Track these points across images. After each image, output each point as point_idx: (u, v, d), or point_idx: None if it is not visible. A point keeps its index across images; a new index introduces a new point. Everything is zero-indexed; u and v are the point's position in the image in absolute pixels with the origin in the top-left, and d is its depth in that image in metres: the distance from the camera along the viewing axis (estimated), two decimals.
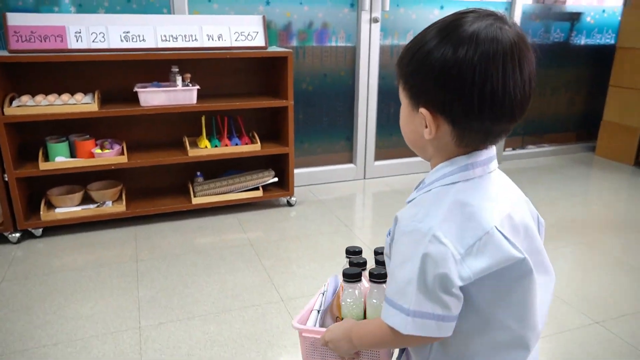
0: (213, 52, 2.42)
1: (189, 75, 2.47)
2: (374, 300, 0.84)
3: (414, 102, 0.68)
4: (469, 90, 0.61)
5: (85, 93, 2.38)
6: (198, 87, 2.46)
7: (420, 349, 0.74)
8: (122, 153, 2.44)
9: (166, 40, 2.38)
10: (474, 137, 0.67)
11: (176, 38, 2.40)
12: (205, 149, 2.57)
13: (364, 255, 0.94)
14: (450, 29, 0.63)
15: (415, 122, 0.69)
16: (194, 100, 2.46)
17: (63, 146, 2.34)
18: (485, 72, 0.60)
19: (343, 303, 0.85)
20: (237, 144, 2.63)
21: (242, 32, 2.51)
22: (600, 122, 3.84)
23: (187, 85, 2.46)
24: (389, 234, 0.74)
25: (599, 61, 3.88)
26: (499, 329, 0.69)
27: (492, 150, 0.71)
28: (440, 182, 0.69)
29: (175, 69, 2.44)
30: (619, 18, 3.77)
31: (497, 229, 0.64)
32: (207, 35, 2.45)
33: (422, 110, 0.66)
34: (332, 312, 0.92)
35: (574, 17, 3.71)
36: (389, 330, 0.68)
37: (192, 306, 1.85)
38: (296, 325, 0.87)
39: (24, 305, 1.84)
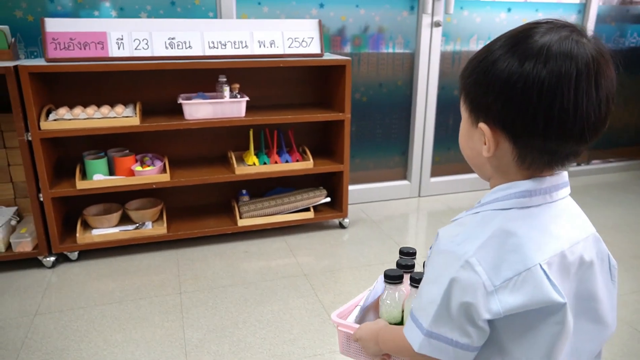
0: (265, 60, 2.19)
1: (237, 86, 2.25)
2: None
3: (474, 116, 0.65)
4: (534, 108, 0.57)
5: (125, 105, 2.18)
6: (247, 98, 2.23)
7: None
8: (163, 170, 2.24)
9: (214, 47, 2.16)
10: (537, 157, 0.62)
11: (225, 45, 2.18)
12: (252, 166, 2.34)
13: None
14: (519, 39, 0.59)
15: (474, 137, 0.66)
16: (243, 113, 2.23)
17: (101, 163, 2.15)
18: (555, 88, 0.56)
19: (382, 303, 0.84)
20: (287, 161, 2.39)
21: (295, 37, 2.27)
22: None
23: (236, 97, 2.24)
24: (431, 248, 0.70)
25: None
26: None
27: (561, 177, 0.66)
28: (492, 205, 0.65)
29: (223, 79, 2.23)
30: None
31: (542, 267, 0.60)
32: (259, 41, 2.22)
33: (482, 125, 0.62)
34: (375, 311, 0.93)
35: None
36: (408, 343, 0.67)
37: (245, 353, 1.62)
38: (334, 319, 0.89)
39: (59, 346, 1.64)
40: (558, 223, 0.64)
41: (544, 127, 0.57)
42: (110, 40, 2.05)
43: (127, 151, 2.27)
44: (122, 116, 2.07)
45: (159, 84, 2.33)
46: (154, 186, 2.18)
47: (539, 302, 0.60)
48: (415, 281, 0.82)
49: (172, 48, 2.12)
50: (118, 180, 2.14)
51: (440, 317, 0.62)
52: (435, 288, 0.63)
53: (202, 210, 2.52)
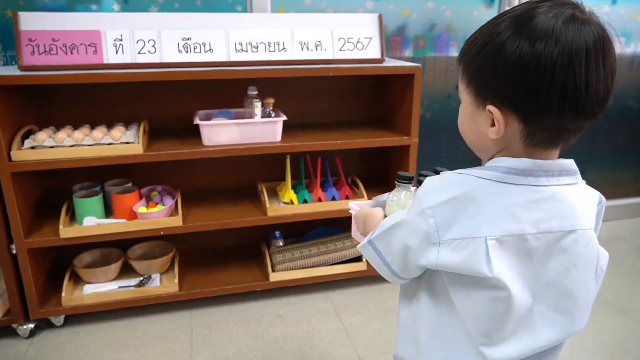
0: (309, 67, 1.65)
1: (272, 101, 1.71)
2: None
3: (480, 99, 0.65)
4: (547, 88, 0.58)
5: (127, 124, 1.67)
6: (284, 117, 1.69)
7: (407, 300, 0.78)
8: (174, 210, 1.72)
9: (242, 50, 1.63)
10: (546, 135, 0.63)
11: (256, 47, 1.65)
12: (290, 205, 1.80)
13: None
14: (523, 20, 0.59)
15: (479, 120, 0.67)
16: (278, 137, 1.70)
17: (94, 202, 1.64)
18: (567, 67, 0.57)
19: (388, 200, 0.87)
20: (334, 198, 1.84)
21: (349, 38, 1.72)
22: None
23: (269, 115, 1.70)
24: None
25: None
26: (458, 325, 0.69)
27: (558, 164, 0.65)
28: (475, 171, 0.65)
29: (253, 92, 1.70)
30: None
31: (486, 241, 0.62)
32: (301, 42, 1.68)
33: (491, 107, 0.63)
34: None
35: None
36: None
37: None
38: (350, 204, 0.95)
39: None
40: (530, 207, 0.64)
41: (559, 106, 0.58)
42: (105, 42, 1.54)
43: (130, 184, 1.76)
44: (121, 142, 1.56)
45: (169, 98, 1.81)
46: (162, 232, 1.66)
47: (469, 270, 0.63)
48: (403, 178, 0.84)
49: (187, 52, 1.59)
50: (115, 226, 1.62)
51: (384, 238, 0.72)
52: (394, 217, 0.71)
53: (223, 257, 1.99)
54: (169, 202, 1.73)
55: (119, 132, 1.58)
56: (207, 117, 1.73)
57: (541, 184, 0.64)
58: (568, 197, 0.66)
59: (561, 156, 0.67)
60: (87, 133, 1.57)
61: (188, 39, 1.59)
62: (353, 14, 1.79)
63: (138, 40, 1.56)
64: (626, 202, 2.71)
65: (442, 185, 0.66)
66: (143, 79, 1.53)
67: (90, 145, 1.53)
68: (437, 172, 0.77)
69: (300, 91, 1.93)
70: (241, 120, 1.66)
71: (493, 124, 0.64)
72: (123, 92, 1.77)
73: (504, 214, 0.63)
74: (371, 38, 1.75)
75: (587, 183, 0.70)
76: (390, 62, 1.78)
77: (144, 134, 1.63)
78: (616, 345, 1.66)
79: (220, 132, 1.64)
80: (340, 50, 1.72)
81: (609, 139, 2.58)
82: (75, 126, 1.62)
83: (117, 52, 1.55)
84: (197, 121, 1.64)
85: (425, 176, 0.78)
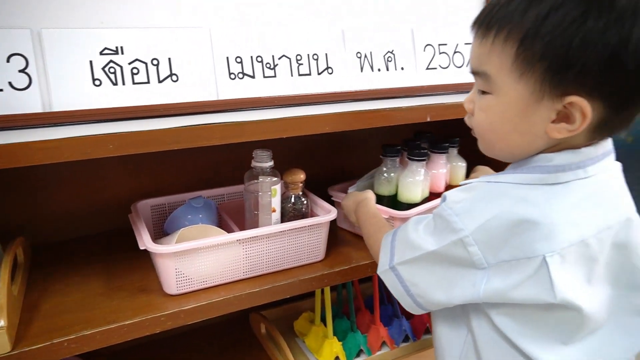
0: (391, 109, 0.78)
1: (302, 178, 0.82)
2: (409, 179, 0.87)
3: (552, 89, 0.51)
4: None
5: None
6: (333, 213, 0.81)
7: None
8: None
9: (240, 74, 0.72)
10: (619, 124, 0.54)
11: (273, 65, 0.74)
12: None
13: None
14: None
15: (535, 118, 0.53)
16: (322, 255, 0.82)
17: None
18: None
19: (376, 180, 0.84)
20: (408, 337, 1.00)
21: (440, 43, 0.89)
22: None
23: (301, 209, 0.81)
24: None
25: None
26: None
27: (602, 146, 0.56)
28: (510, 176, 0.56)
29: (264, 162, 0.79)
30: None
31: (545, 259, 0.52)
32: (359, 55, 0.81)
33: (575, 99, 0.50)
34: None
35: None
36: (377, 252, 0.67)
37: None
38: (330, 191, 0.91)
39: None
40: (585, 205, 0.54)
41: (619, 83, 0.50)
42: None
43: None
44: None
45: (78, 180, 0.84)
46: None
47: (526, 297, 0.54)
48: (414, 154, 0.84)
49: (114, 82, 0.65)
50: None
51: (410, 266, 0.61)
52: (422, 242, 0.59)
53: None
54: None
55: None
56: (156, 215, 0.80)
57: (589, 174, 0.55)
58: (614, 180, 0.59)
59: None
60: None
61: (114, 52, 0.65)
62: None
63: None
64: None
65: (475, 202, 0.55)
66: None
67: None
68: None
69: (323, 144, 1.05)
70: (241, 234, 0.74)
71: (558, 120, 0.53)
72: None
73: (559, 223, 0.53)
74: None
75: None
76: None
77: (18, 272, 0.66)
78: None
79: (195, 263, 0.71)
80: (428, 68, 0.88)
81: None
82: None
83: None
84: (146, 245, 0.70)
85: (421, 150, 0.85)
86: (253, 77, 0.73)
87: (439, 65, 0.90)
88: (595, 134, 0.55)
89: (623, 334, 0.60)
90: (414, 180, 0.87)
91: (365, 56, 0.82)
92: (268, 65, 0.74)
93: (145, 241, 0.69)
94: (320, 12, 0.80)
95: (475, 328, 0.60)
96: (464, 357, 0.63)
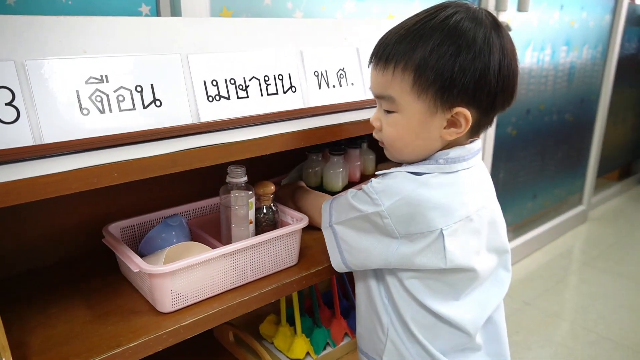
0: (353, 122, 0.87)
1: (272, 189, 0.87)
2: (331, 171, 1.04)
3: (442, 104, 0.68)
4: (495, 88, 0.68)
5: None
6: (305, 220, 0.88)
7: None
8: None
9: (217, 97, 0.76)
10: (487, 125, 0.74)
11: (244, 87, 0.79)
12: None
13: None
14: (459, 31, 0.66)
15: (431, 126, 0.70)
16: (296, 259, 0.88)
17: None
18: (508, 72, 0.68)
19: (304, 173, 1.00)
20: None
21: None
22: None
23: (273, 219, 0.87)
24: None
25: None
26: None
27: (477, 144, 0.75)
28: (415, 167, 0.72)
29: (238, 178, 0.83)
30: None
31: (442, 232, 0.69)
32: (317, 73, 0.89)
33: (460, 109, 0.68)
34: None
35: None
36: (320, 214, 0.81)
37: None
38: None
39: None
40: (469, 190, 0.72)
41: (502, 101, 0.70)
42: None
43: None
44: None
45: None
46: None
47: (425, 263, 0.71)
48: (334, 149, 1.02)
49: (101, 110, 0.65)
50: None
51: (344, 226, 0.77)
52: (354, 208, 0.73)
53: None
54: None
55: None
56: (133, 235, 0.80)
57: (470, 165, 0.73)
58: (484, 171, 0.78)
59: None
60: None
61: (99, 81, 0.66)
62: (371, 18, 1.06)
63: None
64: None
65: (391, 185, 0.70)
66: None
67: None
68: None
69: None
70: (231, 247, 0.78)
71: (448, 126, 0.70)
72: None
73: (452, 203, 0.70)
74: None
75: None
76: None
77: None
78: None
79: (189, 279, 0.74)
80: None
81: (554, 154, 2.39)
82: None
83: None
84: (142, 267, 0.71)
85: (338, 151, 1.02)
86: (228, 98, 0.78)
87: None
88: (472, 133, 0.73)
89: (496, 285, 0.80)
90: (336, 172, 1.04)
91: (322, 74, 0.90)
92: (240, 87, 0.79)
93: (139, 263, 0.70)
94: (281, 35, 0.87)
95: (391, 288, 0.77)
96: (383, 310, 0.79)
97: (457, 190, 0.71)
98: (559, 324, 1.85)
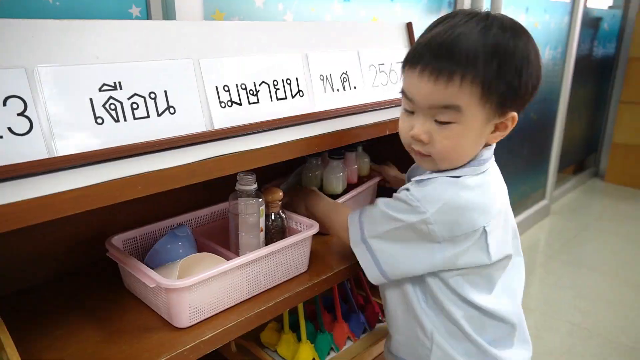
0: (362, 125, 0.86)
1: (280, 196, 0.86)
2: (331, 175, 1.03)
3: (500, 110, 0.70)
4: (533, 85, 0.71)
5: None
6: (315, 227, 0.87)
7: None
8: None
9: (229, 103, 0.74)
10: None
11: (255, 92, 0.77)
12: None
13: None
14: (509, 22, 0.69)
15: (485, 132, 0.72)
16: (305, 266, 0.87)
17: None
18: (538, 64, 0.71)
19: (304, 176, 1.00)
20: (365, 329, 1.10)
21: (380, 63, 0.99)
22: (601, 143, 3.32)
23: (281, 226, 0.85)
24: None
25: (598, 76, 3.31)
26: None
27: (493, 145, 0.77)
28: (451, 172, 0.73)
29: (248, 185, 0.81)
30: (621, 24, 3.26)
31: (485, 229, 0.71)
32: (322, 77, 0.87)
33: (513, 114, 0.71)
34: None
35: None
36: (345, 228, 0.80)
37: None
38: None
39: None
40: (496, 185, 0.77)
41: (530, 99, 0.73)
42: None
43: None
44: None
45: None
46: None
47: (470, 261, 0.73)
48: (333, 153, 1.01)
49: (115, 119, 0.62)
50: None
51: (381, 239, 0.75)
52: (392, 219, 0.73)
53: None
54: None
55: None
56: (136, 247, 0.77)
57: (492, 164, 0.78)
58: (497, 168, 0.81)
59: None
60: None
61: (112, 88, 0.62)
62: (373, 23, 1.06)
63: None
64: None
65: (433, 191, 0.71)
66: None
67: None
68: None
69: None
70: (247, 257, 0.76)
71: (495, 130, 0.72)
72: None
73: (490, 199, 0.74)
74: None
75: None
76: None
77: None
78: None
79: (207, 292, 0.72)
80: (373, 86, 0.98)
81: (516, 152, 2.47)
82: None
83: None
84: (159, 282, 0.68)
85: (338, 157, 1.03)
86: (240, 104, 0.75)
87: (381, 83, 1.01)
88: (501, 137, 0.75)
89: (518, 270, 0.83)
90: (336, 176, 1.04)
91: (327, 78, 0.89)
92: (251, 92, 0.77)
93: (156, 278, 0.67)
94: (286, 39, 0.85)
95: (434, 290, 0.76)
96: (423, 315, 0.79)
97: (489, 188, 0.74)
98: (532, 315, 1.92)
